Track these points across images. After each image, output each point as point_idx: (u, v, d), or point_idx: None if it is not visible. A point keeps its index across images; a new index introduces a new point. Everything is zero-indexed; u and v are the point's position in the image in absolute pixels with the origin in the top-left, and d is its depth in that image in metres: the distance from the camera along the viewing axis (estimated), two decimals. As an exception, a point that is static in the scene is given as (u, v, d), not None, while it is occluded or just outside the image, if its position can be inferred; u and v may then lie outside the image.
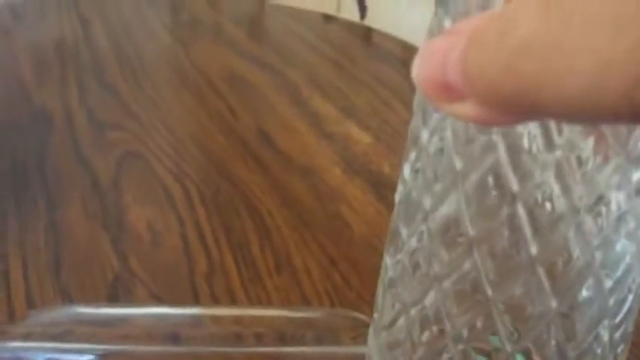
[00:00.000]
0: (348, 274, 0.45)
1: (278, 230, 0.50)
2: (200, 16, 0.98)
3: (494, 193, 0.20)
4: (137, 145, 0.60)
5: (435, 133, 0.21)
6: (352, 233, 0.50)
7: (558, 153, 0.19)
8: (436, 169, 0.21)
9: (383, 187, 0.55)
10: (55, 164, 0.56)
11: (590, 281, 0.21)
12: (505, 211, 0.20)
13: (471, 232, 0.21)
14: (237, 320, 0.39)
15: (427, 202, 0.22)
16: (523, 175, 0.20)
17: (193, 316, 0.39)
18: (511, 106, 0.14)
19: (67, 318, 0.37)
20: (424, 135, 0.22)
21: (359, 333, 0.35)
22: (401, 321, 0.24)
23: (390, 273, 0.24)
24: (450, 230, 0.21)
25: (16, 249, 0.46)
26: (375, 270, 0.43)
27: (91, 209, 0.50)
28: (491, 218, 0.21)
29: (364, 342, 0.29)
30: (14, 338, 0.36)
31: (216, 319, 0.39)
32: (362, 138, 0.63)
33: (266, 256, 0.47)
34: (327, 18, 1.00)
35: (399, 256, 0.24)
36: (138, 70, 0.75)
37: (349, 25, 0.98)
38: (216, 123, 0.65)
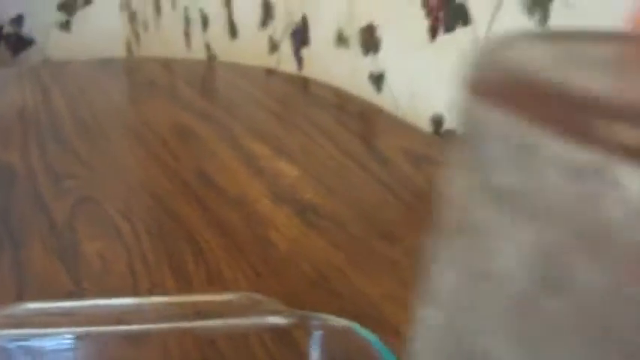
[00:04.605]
0: (272, 285, 0.53)
1: (212, 252, 0.57)
2: (155, 79, 1.08)
3: None
4: (90, 190, 0.68)
5: None
6: (278, 251, 0.58)
7: None
8: None
9: (307, 212, 0.64)
10: (18, 212, 0.63)
11: None
12: None
13: None
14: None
15: None
16: None
17: (135, 304, 0.44)
18: None
19: (23, 312, 0.42)
20: None
21: (260, 309, 0.42)
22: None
23: None
24: None
25: (-17, 283, 0.53)
26: (296, 280, 0.52)
27: (49, 246, 0.58)
28: None
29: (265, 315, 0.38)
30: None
31: (154, 306, 0.44)
32: (290, 172, 0.72)
33: (200, 271, 0.54)
34: (269, 72, 1.10)
35: None
36: (92, 128, 0.84)
37: (288, 77, 1.07)
38: (161, 169, 0.73)
